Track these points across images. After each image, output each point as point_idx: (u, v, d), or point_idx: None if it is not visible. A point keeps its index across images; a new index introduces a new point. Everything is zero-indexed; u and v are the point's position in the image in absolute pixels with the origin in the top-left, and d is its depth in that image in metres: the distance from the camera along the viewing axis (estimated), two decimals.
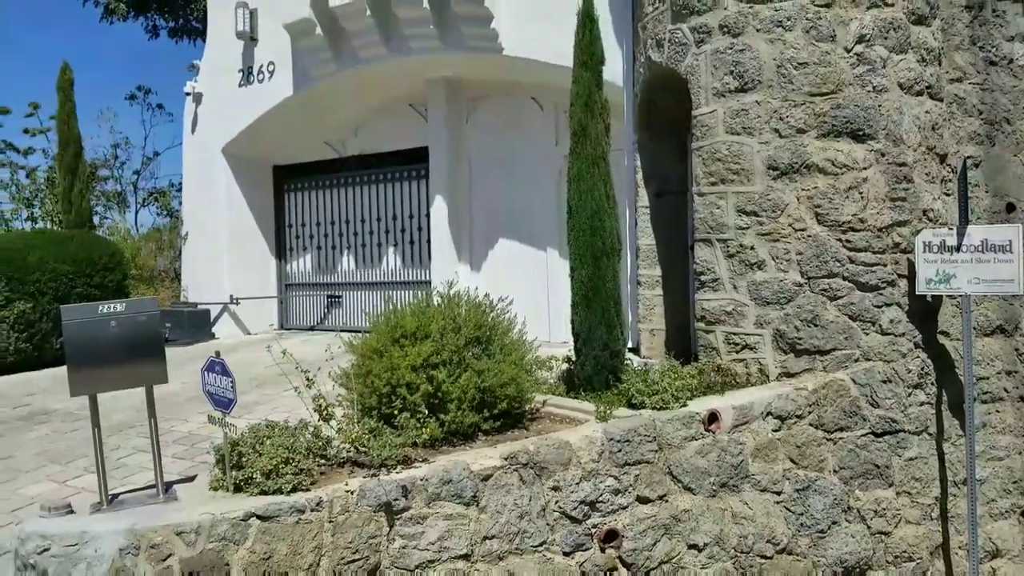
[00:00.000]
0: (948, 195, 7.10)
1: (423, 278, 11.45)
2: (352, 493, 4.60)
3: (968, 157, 7.22)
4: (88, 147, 22.12)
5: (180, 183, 20.84)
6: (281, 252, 13.00)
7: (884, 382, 6.40)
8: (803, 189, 6.43)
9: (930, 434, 6.62)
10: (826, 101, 6.39)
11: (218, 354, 4.68)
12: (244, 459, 4.69)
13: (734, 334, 6.70)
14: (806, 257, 6.43)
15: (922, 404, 6.58)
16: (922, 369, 6.59)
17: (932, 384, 6.67)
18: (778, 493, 5.96)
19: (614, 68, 8.28)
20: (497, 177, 10.63)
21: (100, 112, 21.51)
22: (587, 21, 6.39)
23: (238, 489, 4.63)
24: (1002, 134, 7.61)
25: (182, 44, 18.11)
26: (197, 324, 11.78)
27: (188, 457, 6.09)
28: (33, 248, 10.08)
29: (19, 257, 9.85)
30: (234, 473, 4.65)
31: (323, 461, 4.95)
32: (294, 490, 4.55)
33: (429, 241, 11.20)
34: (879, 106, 6.42)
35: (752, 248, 6.57)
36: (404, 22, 9.74)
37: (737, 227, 6.63)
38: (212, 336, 11.92)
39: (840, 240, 6.40)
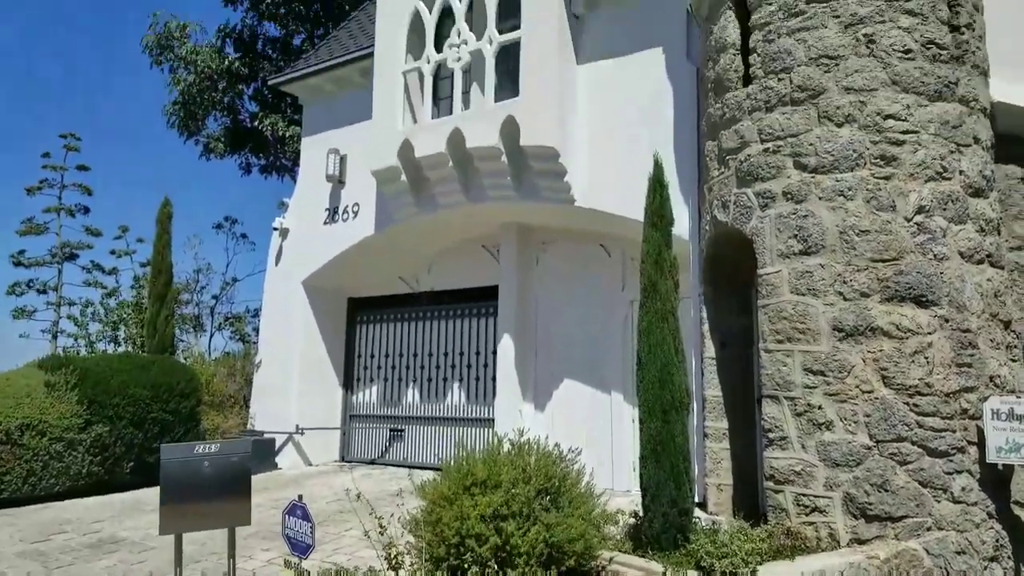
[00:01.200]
0: (1014, 361, 7.13)
1: (486, 415, 11.65)
2: None
3: None
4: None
5: (256, 310, 21.89)
6: (348, 382, 13.43)
7: (958, 553, 6.28)
8: (869, 351, 6.57)
9: None
10: (888, 267, 6.61)
11: (300, 498, 4.94)
12: None
13: (803, 495, 6.69)
14: (874, 420, 6.48)
15: None
16: (997, 541, 6.46)
17: (1009, 558, 6.50)
18: None
19: (681, 224, 8.69)
20: (564, 318, 10.98)
21: (188, 238, 23.03)
22: (657, 186, 6.85)
23: None
24: None
25: (271, 180, 19.51)
26: (261, 453, 12.08)
27: None
28: (117, 372, 10.67)
29: (103, 380, 10.42)
30: None
31: None
32: None
33: (494, 378, 11.48)
34: (940, 273, 6.61)
35: (820, 408, 6.66)
36: (483, 173, 10.44)
37: (804, 385, 6.75)
38: (275, 466, 12.20)
39: (907, 404, 6.46)
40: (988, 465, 6.49)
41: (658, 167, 6.94)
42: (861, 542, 6.38)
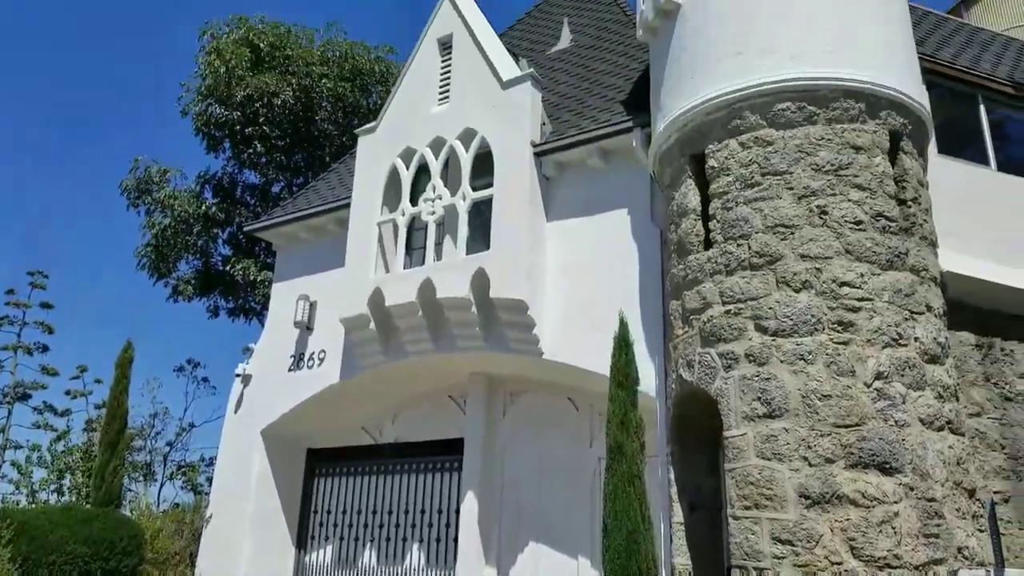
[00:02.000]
0: (981, 531, 7.07)
1: None
2: None
3: (996, 492, 7.31)
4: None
5: (211, 458, 21.16)
6: (302, 541, 12.80)
7: None
8: (836, 520, 6.48)
9: None
10: (851, 433, 6.65)
11: None
12: None
13: None
14: None
15: None
16: None
17: None
18: None
19: (648, 381, 8.72)
20: (530, 475, 10.72)
21: (147, 381, 22.57)
22: (623, 344, 6.95)
23: None
24: None
25: (238, 322, 19.45)
26: None
27: None
28: (57, 526, 10.12)
29: (41, 535, 9.85)
30: None
31: None
32: None
33: (456, 539, 11.03)
34: (903, 440, 6.65)
35: None
36: (453, 323, 10.51)
37: (773, 556, 6.59)
38: None
39: None
40: None
41: (623, 326, 7.06)
42: None
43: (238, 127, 18.23)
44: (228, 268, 17.57)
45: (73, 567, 9.93)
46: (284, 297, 13.34)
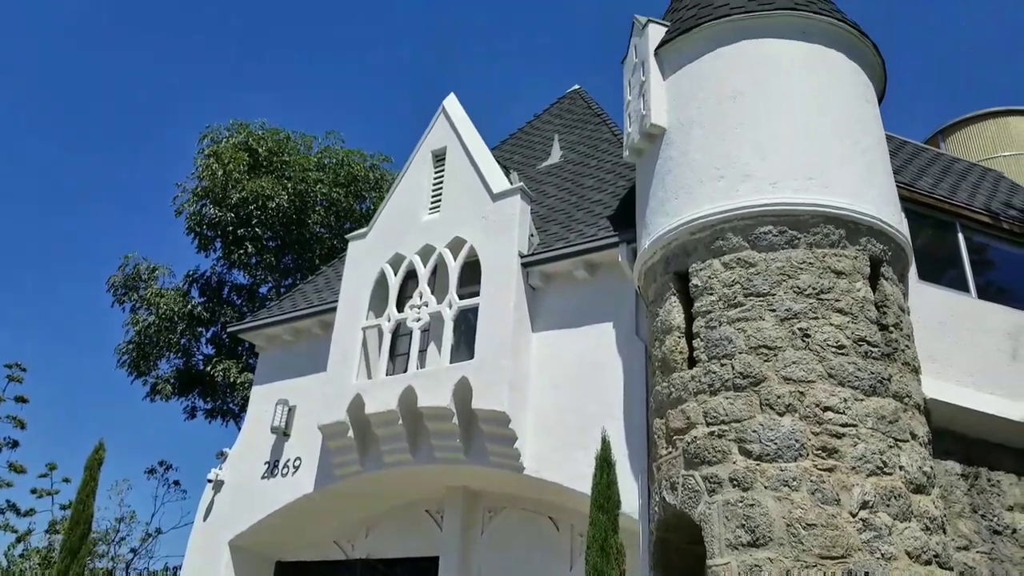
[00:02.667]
0: None
1: None
2: None
3: None
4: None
5: (176, 568, 20.26)
6: None
7: None
8: None
9: None
10: (837, 565, 6.44)
11: None
12: None
13: None
14: None
15: None
16: None
17: None
18: None
19: (631, 502, 8.51)
20: None
21: (115, 483, 21.77)
22: (604, 465, 6.80)
23: None
24: None
25: (214, 424, 19.06)
26: None
27: None
28: None
29: None
30: None
31: None
32: None
33: None
34: (889, 574, 6.44)
35: None
36: (433, 433, 10.31)
37: None
38: None
39: None
40: None
41: (606, 445, 6.93)
42: None
43: (231, 228, 18.41)
44: (209, 368, 17.35)
45: None
46: (263, 400, 13.12)
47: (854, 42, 8.63)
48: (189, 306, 18.24)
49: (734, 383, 7.33)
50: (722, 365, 7.47)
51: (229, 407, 18.67)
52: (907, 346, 7.61)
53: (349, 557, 12.11)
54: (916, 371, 7.64)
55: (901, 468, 6.92)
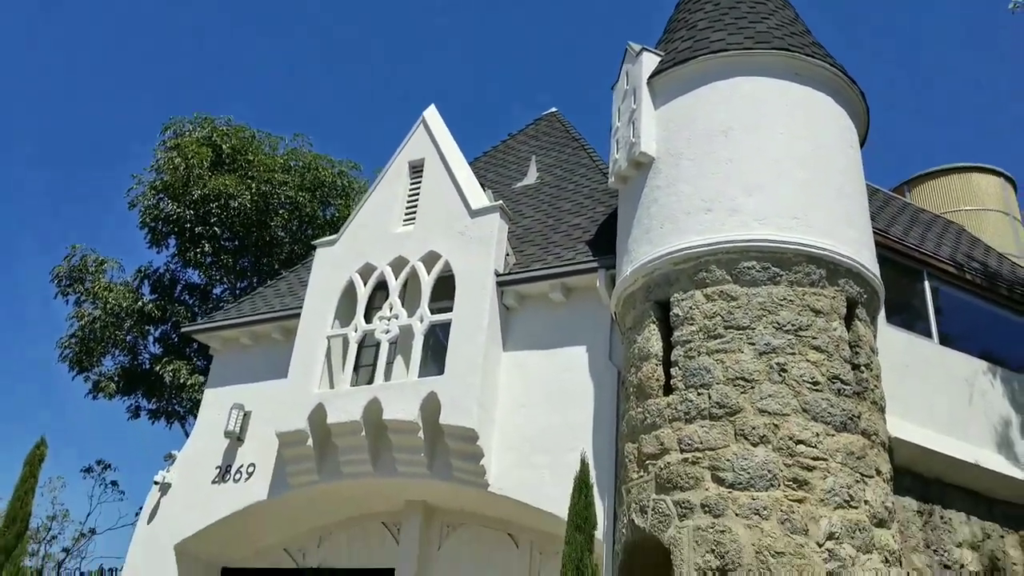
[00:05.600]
0: None
1: None
2: None
3: None
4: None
5: (112, 569, 19.49)
6: None
7: None
8: None
9: None
10: None
11: None
12: None
13: None
14: None
15: None
16: None
17: None
18: None
19: (597, 523, 8.59)
20: None
21: (49, 480, 20.88)
22: (583, 487, 6.87)
23: None
24: None
25: (158, 425, 18.46)
26: None
27: None
28: None
29: None
30: None
31: None
32: None
33: None
34: None
35: None
36: (396, 447, 10.23)
37: None
38: None
39: None
40: None
41: (584, 467, 7.02)
42: None
43: (188, 225, 17.99)
44: (158, 368, 16.82)
45: None
46: (216, 404, 12.81)
47: (843, 87, 9.01)
48: (140, 303, 17.71)
49: (710, 412, 7.50)
50: (699, 394, 7.63)
51: (175, 409, 18.14)
52: (876, 386, 7.91)
53: (300, 566, 11.87)
54: (882, 410, 7.94)
55: (866, 502, 7.17)
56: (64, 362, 17.45)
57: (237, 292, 18.76)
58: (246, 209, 18.07)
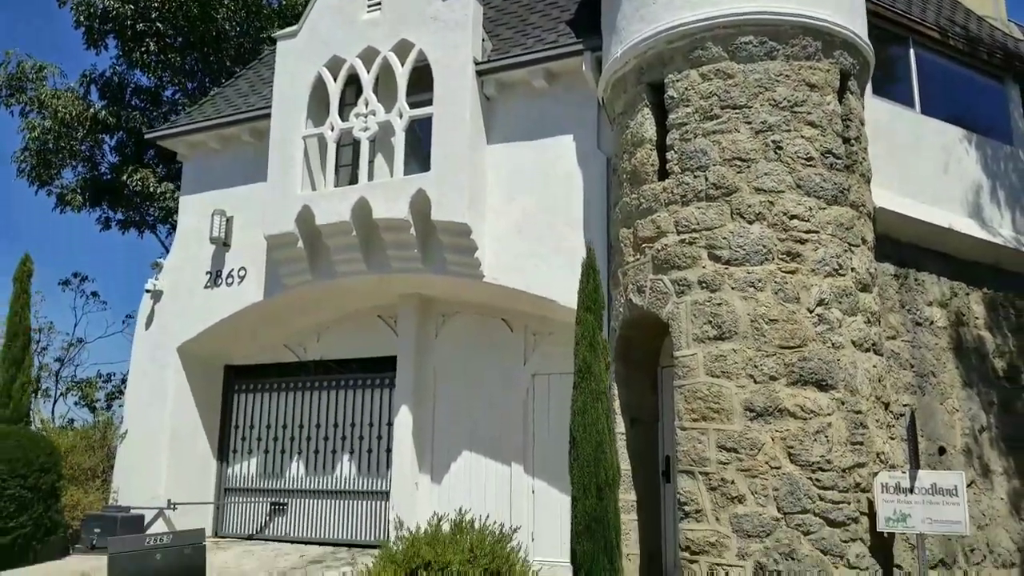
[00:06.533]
0: (892, 439, 7.93)
1: (379, 487, 11.35)
2: None
3: (905, 405, 8.18)
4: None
5: (108, 374, 20.19)
6: (223, 454, 12.65)
7: None
8: (777, 431, 7.10)
9: None
10: (794, 353, 7.23)
11: None
12: None
13: (717, 565, 7.04)
14: (781, 493, 6.98)
15: None
16: None
17: None
18: None
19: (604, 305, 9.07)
20: (464, 391, 10.95)
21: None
22: (590, 271, 7.18)
23: None
24: (929, 385, 8.69)
25: (129, 235, 18.22)
26: (129, 531, 11.07)
27: None
28: None
29: None
30: None
31: None
32: None
33: (389, 450, 11.24)
34: (838, 360, 7.30)
35: (733, 482, 7.09)
36: (389, 244, 10.39)
37: (718, 461, 7.17)
38: None
39: (811, 479, 7.01)
40: (877, 533, 7.14)
41: (590, 253, 7.29)
42: None
43: (128, 23, 16.70)
44: (124, 178, 16.33)
45: None
46: (194, 210, 12.71)
47: None
48: (91, 110, 16.84)
49: (707, 193, 7.70)
50: (695, 177, 7.79)
51: (145, 218, 17.89)
52: (864, 158, 8.14)
53: (301, 359, 12.44)
54: (868, 181, 8.22)
55: (853, 270, 7.64)
56: (23, 177, 16.85)
57: (191, 93, 17.89)
58: (188, 1, 16.76)
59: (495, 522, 6.34)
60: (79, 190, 17.20)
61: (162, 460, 11.78)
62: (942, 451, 8.52)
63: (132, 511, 11.38)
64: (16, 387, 11.00)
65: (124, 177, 16.26)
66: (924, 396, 8.51)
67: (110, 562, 4.22)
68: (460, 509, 6.89)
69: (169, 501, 11.57)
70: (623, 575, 6.53)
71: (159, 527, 11.49)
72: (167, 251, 18.79)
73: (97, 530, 10.99)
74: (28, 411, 11.35)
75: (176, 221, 13.39)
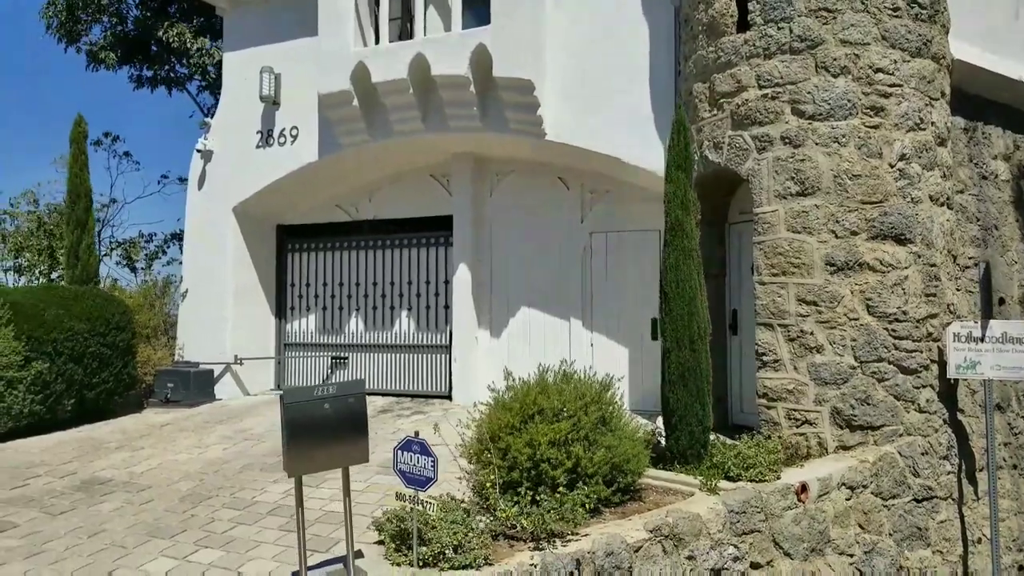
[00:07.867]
0: (958, 291, 8.24)
1: (438, 342, 11.82)
2: (536, 567, 5.02)
3: (971, 258, 8.43)
4: (46, 193, 21.34)
5: (150, 234, 20.38)
6: (281, 311, 13.05)
7: (922, 454, 7.35)
8: (856, 284, 7.38)
9: (954, 499, 7.60)
10: (875, 209, 7.39)
11: (417, 434, 5.05)
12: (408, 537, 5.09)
13: (795, 410, 7.52)
14: (859, 343, 7.35)
15: (948, 473, 7.56)
16: (949, 442, 7.60)
17: (956, 456, 7.68)
18: (851, 556, 6.74)
19: (653, 162, 9.14)
20: (521, 249, 11.17)
21: (58, 157, 20.67)
22: (680, 129, 7.20)
23: (425, 564, 4.96)
24: (992, 238, 8.92)
25: (158, 93, 17.75)
26: (200, 385, 11.67)
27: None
28: (49, 305, 9.85)
29: (37, 314, 9.60)
30: (422, 549, 4.98)
31: (475, 534, 5.23)
32: (484, 564, 4.94)
33: (447, 306, 11.62)
34: (916, 215, 7.49)
35: (812, 333, 7.45)
36: (447, 103, 10.29)
37: (797, 314, 7.50)
38: (214, 397, 11.81)
39: (887, 329, 7.37)
40: (944, 380, 7.57)
41: (679, 110, 7.28)
42: (846, 448, 7.31)
43: None
44: (160, 33, 15.75)
45: (75, 343, 9.80)
46: (238, 68, 12.49)
47: None
48: None
49: (791, 46, 7.60)
50: (779, 29, 7.66)
51: (178, 74, 17.44)
52: (945, 7, 7.96)
53: (354, 219, 12.59)
54: (948, 32, 8.09)
55: (932, 124, 7.68)
56: (51, 33, 16.27)
57: None
58: None
59: (607, 375, 6.66)
60: (109, 47, 16.64)
61: (227, 316, 12.17)
62: (1001, 301, 8.86)
63: (201, 366, 11.92)
64: (83, 248, 11.21)
65: (160, 33, 15.69)
66: (987, 249, 8.76)
67: (284, 411, 4.54)
68: (546, 364, 7.14)
69: (236, 356, 12.06)
70: (710, 419, 6.98)
71: (226, 381, 12.07)
72: (199, 107, 18.61)
73: (171, 384, 11.56)
74: (96, 271, 11.61)
75: (212, 77, 13.13)
